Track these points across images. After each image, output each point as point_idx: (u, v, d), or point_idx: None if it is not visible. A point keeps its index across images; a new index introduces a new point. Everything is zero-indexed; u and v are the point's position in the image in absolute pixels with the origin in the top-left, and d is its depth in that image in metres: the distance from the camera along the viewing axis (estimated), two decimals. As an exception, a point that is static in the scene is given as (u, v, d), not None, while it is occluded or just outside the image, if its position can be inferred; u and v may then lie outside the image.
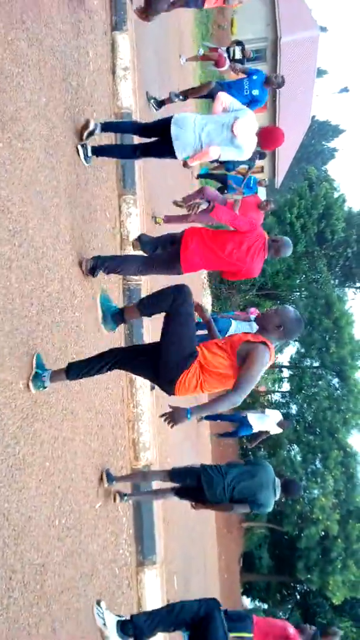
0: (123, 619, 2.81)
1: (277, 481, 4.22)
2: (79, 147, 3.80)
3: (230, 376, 2.91)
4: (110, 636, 2.70)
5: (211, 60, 9.24)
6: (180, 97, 6.46)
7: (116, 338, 4.44)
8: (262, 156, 9.42)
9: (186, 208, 3.88)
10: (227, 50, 8.98)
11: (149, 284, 5.43)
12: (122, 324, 4.06)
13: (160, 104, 6.48)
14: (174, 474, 4.21)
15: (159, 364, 2.95)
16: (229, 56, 8.76)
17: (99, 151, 4.02)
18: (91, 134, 3.92)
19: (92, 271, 3.65)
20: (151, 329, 5.26)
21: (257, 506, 4.09)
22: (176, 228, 4.68)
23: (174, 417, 2.86)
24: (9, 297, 2.66)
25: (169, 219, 6.45)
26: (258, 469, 4.18)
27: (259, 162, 9.62)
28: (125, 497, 3.86)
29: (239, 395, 2.80)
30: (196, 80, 11.62)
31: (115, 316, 3.24)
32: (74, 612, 2.98)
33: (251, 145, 4.11)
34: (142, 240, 4.23)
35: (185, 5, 6.75)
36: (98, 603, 2.73)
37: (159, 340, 3.06)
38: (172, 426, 2.89)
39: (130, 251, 4.62)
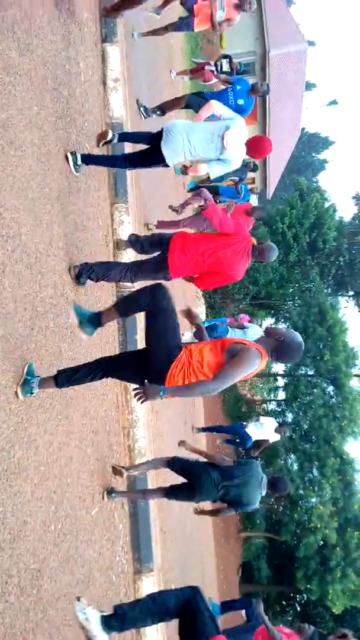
0: (106, 613, 2.63)
1: (265, 479, 4.31)
2: (69, 155, 3.84)
3: (215, 371, 2.87)
4: (94, 630, 2.50)
5: (200, 78, 9.43)
6: (158, 111, 6.53)
7: (110, 343, 4.45)
8: (254, 168, 9.54)
9: (178, 207, 3.92)
10: (215, 64, 9.17)
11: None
12: (117, 327, 4.07)
13: (150, 112, 6.57)
14: (173, 463, 4.34)
15: (148, 362, 2.96)
16: (216, 69, 8.93)
17: (88, 159, 4.07)
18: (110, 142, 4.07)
19: (78, 278, 3.63)
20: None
21: (241, 507, 4.21)
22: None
23: (146, 392, 2.79)
24: (3, 301, 2.67)
25: (160, 224, 6.51)
26: (245, 469, 4.26)
27: (250, 174, 9.71)
28: (113, 494, 3.90)
29: (215, 385, 2.78)
30: (187, 86, 11.76)
31: (92, 319, 3.16)
32: (71, 619, 2.95)
33: (240, 156, 4.18)
34: (130, 240, 4.27)
35: (176, 30, 6.97)
36: (78, 599, 2.55)
37: (144, 345, 3.07)
38: (142, 401, 2.82)
39: (122, 257, 4.65)
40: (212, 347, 2.93)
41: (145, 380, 2.86)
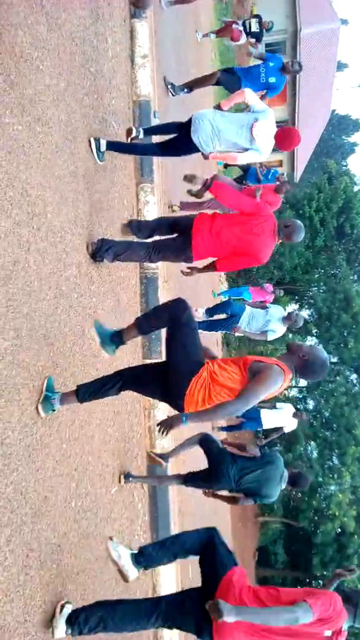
0: (135, 552, 2.97)
1: (286, 473, 4.27)
2: (92, 140, 3.76)
3: (238, 391, 2.79)
4: (126, 565, 2.89)
5: (227, 36, 9.27)
6: (185, 89, 6.43)
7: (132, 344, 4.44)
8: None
9: (196, 191, 3.85)
10: (244, 24, 8.96)
11: (165, 273, 5.43)
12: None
13: (178, 89, 6.49)
14: (205, 441, 4.36)
15: (168, 377, 2.89)
16: (245, 29, 8.73)
17: (116, 147, 4.02)
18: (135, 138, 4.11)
19: (95, 255, 3.55)
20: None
21: (260, 498, 4.19)
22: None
23: (168, 422, 2.84)
24: (28, 279, 2.68)
25: (184, 206, 6.45)
26: (267, 463, 4.22)
27: (277, 157, 9.58)
28: (130, 479, 3.90)
29: (239, 405, 2.71)
30: (214, 66, 11.56)
31: (113, 338, 3.01)
32: (90, 593, 3.00)
33: (269, 147, 4.16)
34: (132, 226, 4.01)
35: None
36: (111, 538, 2.94)
37: (165, 359, 3.02)
38: (166, 433, 2.88)
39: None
40: (234, 362, 2.87)
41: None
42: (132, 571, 2.89)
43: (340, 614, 2.53)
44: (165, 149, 4.24)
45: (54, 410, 2.74)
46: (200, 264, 4.01)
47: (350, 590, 2.64)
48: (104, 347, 2.87)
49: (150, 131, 4.53)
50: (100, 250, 3.55)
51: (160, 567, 4.37)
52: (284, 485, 4.32)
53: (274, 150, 4.36)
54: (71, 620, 2.56)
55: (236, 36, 8.79)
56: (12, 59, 2.67)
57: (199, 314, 7.44)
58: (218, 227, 3.66)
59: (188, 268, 4.14)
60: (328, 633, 2.51)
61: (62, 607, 2.57)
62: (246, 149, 4.09)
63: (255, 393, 2.72)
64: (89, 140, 3.75)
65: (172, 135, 4.22)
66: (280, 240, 3.92)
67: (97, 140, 3.80)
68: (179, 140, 4.12)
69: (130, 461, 4.01)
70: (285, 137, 4.27)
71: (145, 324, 3.08)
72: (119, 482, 3.79)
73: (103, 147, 3.87)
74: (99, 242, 3.57)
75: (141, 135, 4.41)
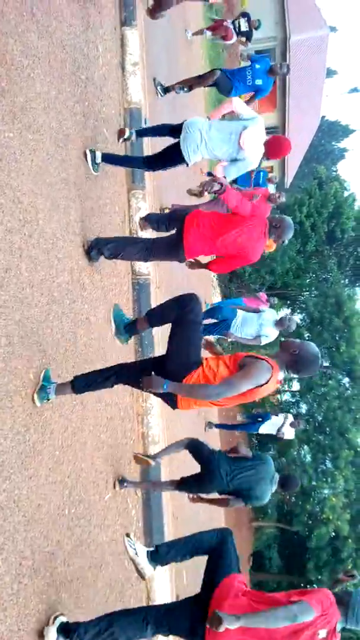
0: (151, 549, 3.09)
1: (276, 476, 4.29)
2: (88, 152, 3.81)
3: None
4: (142, 563, 3.01)
5: (217, 35, 9.41)
6: (185, 89, 6.45)
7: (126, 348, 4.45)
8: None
9: (199, 189, 3.84)
10: (233, 23, 9.09)
11: (158, 279, 5.44)
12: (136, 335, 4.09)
13: (165, 90, 6.53)
14: (192, 445, 4.35)
15: (165, 368, 2.88)
16: (234, 28, 8.87)
17: (107, 159, 4.05)
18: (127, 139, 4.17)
19: (89, 252, 3.60)
20: (161, 341, 5.26)
21: (251, 500, 4.18)
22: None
23: (149, 382, 2.77)
24: (20, 286, 2.68)
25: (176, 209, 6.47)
26: (259, 463, 4.23)
27: (268, 162, 9.70)
28: (125, 484, 3.90)
29: (218, 389, 2.71)
30: (206, 68, 11.63)
31: (127, 327, 3.29)
32: (83, 601, 2.99)
33: (257, 156, 4.17)
34: (150, 219, 4.10)
35: None
36: (128, 535, 3.10)
37: (163, 353, 3.03)
38: (144, 389, 2.87)
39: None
40: (227, 361, 2.88)
41: (152, 372, 2.82)
42: (147, 568, 3.03)
43: (335, 611, 2.54)
44: (153, 163, 4.24)
45: (48, 400, 2.79)
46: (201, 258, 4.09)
47: (340, 592, 2.64)
48: (117, 336, 3.01)
49: (142, 133, 4.56)
50: (94, 248, 3.61)
51: (155, 573, 4.38)
52: (274, 488, 4.33)
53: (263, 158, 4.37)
54: (69, 634, 2.55)
55: (230, 35, 8.94)
56: (3, 67, 2.69)
57: None
58: (209, 226, 3.72)
59: (193, 260, 4.20)
60: (323, 634, 2.51)
61: (55, 618, 2.57)
62: (235, 160, 4.07)
63: (238, 382, 2.72)
64: (84, 152, 3.78)
65: (164, 147, 4.22)
66: (272, 239, 3.97)
67: (93, 152, 3.85)
68: (169, 151, 4.13)
69: (123, 468, 4.00)
70: (275, 145, 4.27)
71: (156, 317, 3.24)
72: (114, 487, 3.79)
73: (98, 159, 3.91)
74: (94, 241, 3.63)
75: (133, 137, 4.47)
